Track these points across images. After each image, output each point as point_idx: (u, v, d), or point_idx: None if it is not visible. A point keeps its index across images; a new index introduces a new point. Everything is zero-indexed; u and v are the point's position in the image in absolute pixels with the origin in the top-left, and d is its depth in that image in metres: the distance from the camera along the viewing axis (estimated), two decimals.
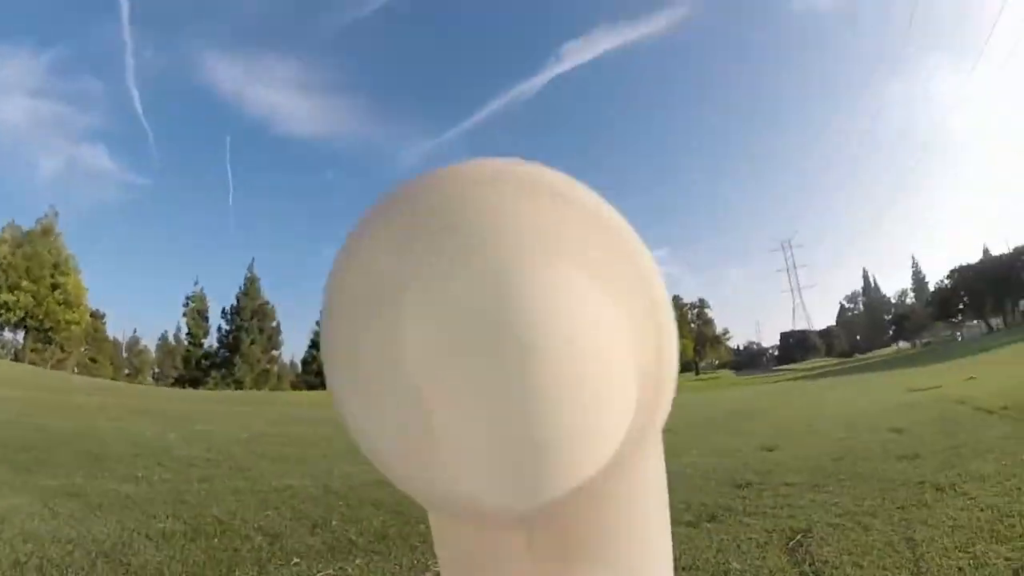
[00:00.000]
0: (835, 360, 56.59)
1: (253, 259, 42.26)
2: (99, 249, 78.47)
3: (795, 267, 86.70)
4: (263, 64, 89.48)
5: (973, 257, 51.07)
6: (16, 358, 32.65)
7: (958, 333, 46.65)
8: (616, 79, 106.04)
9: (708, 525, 2.59)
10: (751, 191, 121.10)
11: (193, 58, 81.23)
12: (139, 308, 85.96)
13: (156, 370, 46.74)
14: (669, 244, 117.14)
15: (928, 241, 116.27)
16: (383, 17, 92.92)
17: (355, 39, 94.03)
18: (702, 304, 56.14)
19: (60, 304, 34.15)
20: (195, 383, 37.27)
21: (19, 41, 66.39)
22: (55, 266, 34.58)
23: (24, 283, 33.21)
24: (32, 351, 34.49)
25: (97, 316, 41.69)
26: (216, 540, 2.50)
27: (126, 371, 45.36)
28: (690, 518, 2.73)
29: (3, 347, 35.49)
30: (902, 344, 59.46)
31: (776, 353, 76.85)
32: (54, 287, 34.19)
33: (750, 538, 2.34)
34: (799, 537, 2.29)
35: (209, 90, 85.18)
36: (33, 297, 33.40)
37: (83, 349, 39.71)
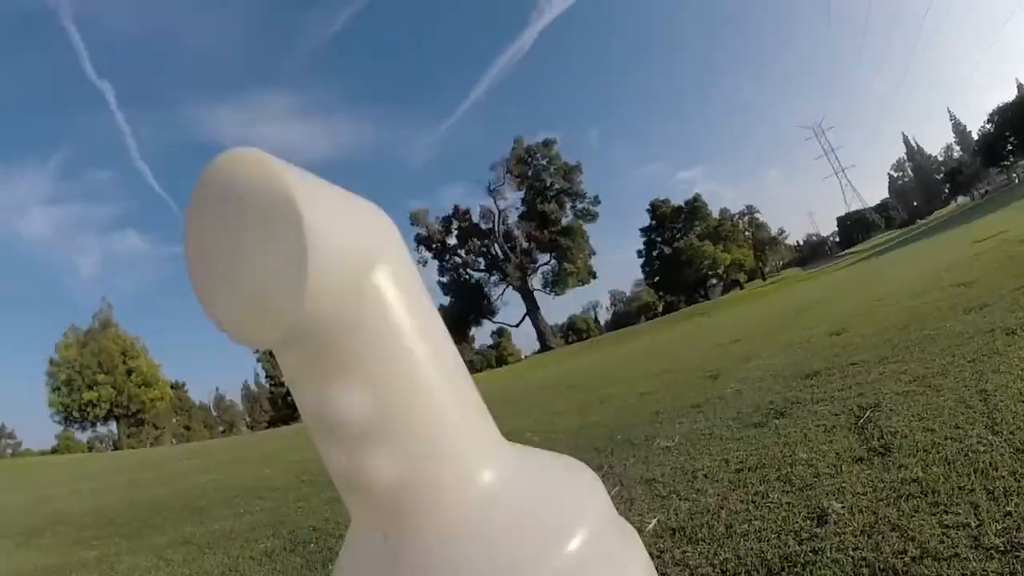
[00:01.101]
0: (897, 232, 54.52)
1: None
2: (159, 326, 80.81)
3: (832, 150, 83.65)
4: (257, 102, 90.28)
5: (1009, 95, 48.13)
6: (116, 447, 34.15)
7: (1014, 175, 44.57)
8: (605, 11, 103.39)
9: (776, 422, 2.56)
10: (770, 87, 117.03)
11: (189, 117, 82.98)
12: (215, 367, 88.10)
13: (247, 419, 48.35)
14: (701, 163, 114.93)
15: (960, 90, 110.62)
16: (355, 26, 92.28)
17: (335, 54, 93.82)
18: (750, 211, 54.39)
19: (139, 386, 35.55)
20: (286, 421, 38.10)
21: (22, 158, 69.11)
22: (123, 353, 35.91)
23: (100, 377, 34.55)
24: (128, 436, 36.03)
25: (178, 386, 43.47)
26: (313, 545, 2.64)
27: (220, 428, 47.13)
28: (758, 419, 2.71)
29: (101, 441, 37.16)
30: (961, 200, 57.12)
31: (837, 239, 74.86)
32: (129, 372, 35.53)
33: (818, 425, 2.30)
34: (867, 414, 2.23)
35: (214, 142, 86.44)
36: (112, 387, 34.75)
37: (175, 420, 41.45)
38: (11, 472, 16.28)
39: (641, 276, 53.20)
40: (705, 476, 2.11)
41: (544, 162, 45.54)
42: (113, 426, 36.63)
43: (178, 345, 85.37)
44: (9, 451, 38.34)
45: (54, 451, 33.74)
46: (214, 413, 49.68)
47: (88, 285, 78.81)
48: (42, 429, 72.35)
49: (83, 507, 6.19)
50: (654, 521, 1.78)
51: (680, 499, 1.93)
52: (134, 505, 5.65)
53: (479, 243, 44.45)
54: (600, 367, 11.70)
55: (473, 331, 45.24)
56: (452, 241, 44.56)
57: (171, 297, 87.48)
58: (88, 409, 34.45)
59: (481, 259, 44.80)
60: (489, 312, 44.81)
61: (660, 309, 53.78)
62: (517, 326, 45.83)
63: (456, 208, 44.40)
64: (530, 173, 45.20)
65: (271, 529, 3.15)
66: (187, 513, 4.40)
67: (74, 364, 34.84)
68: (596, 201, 46.03)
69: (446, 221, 44.27)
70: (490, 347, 46.60)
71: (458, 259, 44.76)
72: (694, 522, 1.70)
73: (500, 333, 46.98)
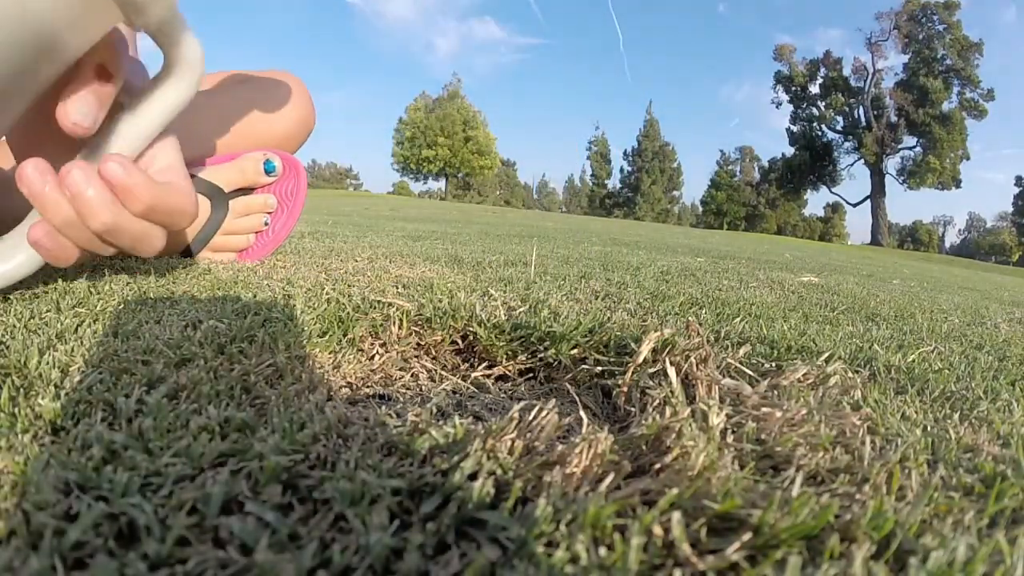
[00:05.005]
0: None
1: (651, 101, 41.01)
2: (502, 107, 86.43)
3: None
4: None
5: None
6: (442, 200, 36.20)
7: None
8: None
9: None
10: None
11: None
12: (546, 156, 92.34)
13: (563, 209, 48.99)
14: None
15: None
16: None
17: None
18: None
19: (473, 153, 37.07)
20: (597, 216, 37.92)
21: None
22: (465, 123, 37.38)
23: (440, 139, 36.62)
24: (453, 197, 38.20)
25: (508, 164, 45.64)
26: None
27: (536, 210, 48.30)
28: None
29: (431, 195, 40.06)
30: None
31: None
32: (466, 140, 37.15)
33: None
34: None
35: None
36: (449, 149, 36.76)
37: (498, 193, 43.60)
38: (354, 196, 17.63)
39: (1010, 209, 44.25)
40: None
41: (940, 28, 37.82)
42: (443, 183, 38.99)
43: (514, 128, 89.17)
44: (351, 187, 42.83)
45: (388, 195, 36.56)
46: (535, 196, 51.60)
47: (443, 63, 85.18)
48: (382, 176, 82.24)
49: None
50: None
51: None
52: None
53: (843, 100, 38.72)
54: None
55: (808, 195, 40.51)
56: (814, 90, 39.36)
57: (517, 82, 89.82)
58: (424, 164, 36.82)
59: (840, 118, 39.16)
60: (830, 180, 39.50)
61: (1016, 257, 44.35)
62: (855, 206, 40.02)
63: (827, 54, 38.63)
64: (920, 36, 37.81)
65: None
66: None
67: (419, 124, 37.23)
68: (990, 95, 37.70)
69: (812, 65, 39.00)
70: (819, 219, 41.64)
71: (815, 111, 39.57)
72: None
73: (834, 208, 41.59)
